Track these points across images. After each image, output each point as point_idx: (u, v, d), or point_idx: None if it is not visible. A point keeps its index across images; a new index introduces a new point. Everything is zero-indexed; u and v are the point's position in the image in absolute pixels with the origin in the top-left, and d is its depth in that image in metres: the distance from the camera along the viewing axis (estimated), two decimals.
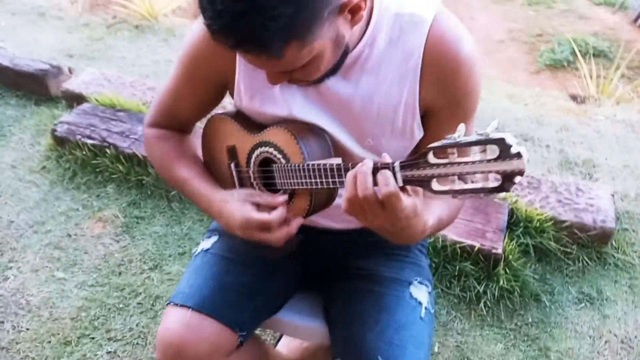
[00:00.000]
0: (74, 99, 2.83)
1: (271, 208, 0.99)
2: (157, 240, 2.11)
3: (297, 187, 0.99)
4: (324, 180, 0.91)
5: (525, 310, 1.85)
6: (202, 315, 1.07)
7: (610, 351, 1.74)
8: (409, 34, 0.92)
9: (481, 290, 1.85)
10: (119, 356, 1.72)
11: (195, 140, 1.23)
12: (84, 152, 2.41)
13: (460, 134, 0.71)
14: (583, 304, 1.88)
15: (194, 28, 1.03)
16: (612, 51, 5.11)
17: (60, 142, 2.49)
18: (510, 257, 1.88)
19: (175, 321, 1.07)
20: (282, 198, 0.99)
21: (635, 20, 5.92)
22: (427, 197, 0.83)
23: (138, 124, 2.50)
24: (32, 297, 1.90)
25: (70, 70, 3.08)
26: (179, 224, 2.18)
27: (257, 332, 1.67)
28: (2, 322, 1.82)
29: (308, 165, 0.93)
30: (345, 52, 0.89)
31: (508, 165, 0.66)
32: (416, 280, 1.15)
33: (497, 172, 0.67)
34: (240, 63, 1.02)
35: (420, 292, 1.14)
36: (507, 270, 1.86)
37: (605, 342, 1.77)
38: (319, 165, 0.91)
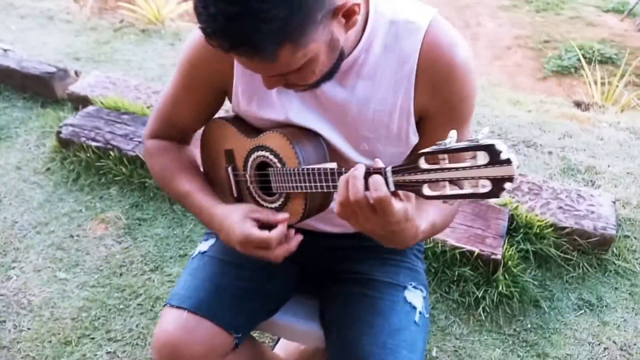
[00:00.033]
0: (80, 102, 2.86)
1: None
2: (158, 242, 2.13)
3: (292, 191, 1.00)
4: (318, 184, 0.93)
5: (524, 316, 1.85)
6: (198, 317, 1.08)
7: (609, 358, 1.73)
8: (404, 40, 0.93)
9: (480, 296, 1.85)
10: (118, 356, 1.74)
11: (195, 145, 1.24)
12: (88, 154, 2.44)
13: (451, 140, 0.72)
14: (582, 310, 1.88)
15: (193, 34, 1.04)
16: (620, 58, 5.10)
17: (64, 144, 2.52)
18: (510, 262, 1.88)
19: (172, 322, 1.08)
20: (282, 216, 0.99)
21: None
22: (421, 202, 0.84)
23: (142, 126, 2.52)
24: (33, 297, 1.92)
25: (76, 73, 3.11)
26: (181, 226, 2.19)
27: (256, 334, 1.68)
28: (4, 322, 1.84)
29: (303, 169, 0.94)
30: (341, 57, 0.90)
31: (498, 171, 0.67)
32: (411, 284, 1.16)
33: (487, 178, 0.68)
34: (238, 67, 1.03)
35: (415, 297, 1.15)
36: (507, 276, 1.86)
37: (605, 348, 1.76)
38: (313, 169, 0.92)
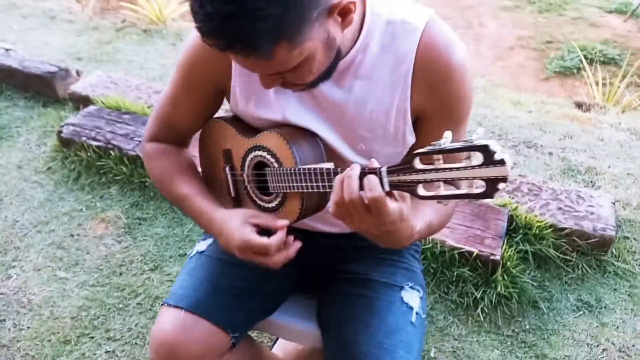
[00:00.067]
0: (81, 101, 2.87)
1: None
2: (158, 242, 2.13)
3: (288, 191, 1.00)
4: (314, 184, 0.93)
5: (522, 317, 1.85)
6: (195, 316, 1.08)
7: (607, 359, 1.73)
8: (401, 40, 0.94)
9: (479, 296, 1.85)
10: (117, 356, 1.74)
11: (193, 146, 1.24)
12: (88, 154, 2.44)
13: (446, 140, 0.72)
14: (581, 312, 1.88)
15: (191, 34, 1.05)
16: (622, 59, 5.09)
17: (65, 143, 2.53)
18: (509, 263, 1.88)
19: (169, 321, 1.08)
20: (282, 223, 0.98)
21: None
22: (417, 202, 0.84)
23: (142, 126, 2.53)
24: (33, 296, 1.93)
25: (78, 73, 3.12)
26: (180, 226, 2.20)
27: (254, 334, 1.69)
28: (4, 320, 1.84)
29: (299, 169, 0.95)
30: (338, 56, 0.90)
31: (492, 171, 0.67)
32: (408, 285, 1.16)
33: (481, 178, 0.68)
34: (236, 67, 1.03)
35: (412, 297, 1.15)
36: (505, 277, 1.86)
37: (603, 350, 1.76)
38: (309, 169, 0.93)
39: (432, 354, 1.75)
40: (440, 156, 0.71)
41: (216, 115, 1.18)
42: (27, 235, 2.18)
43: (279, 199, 1.05)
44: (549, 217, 2.02)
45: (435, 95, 0.96)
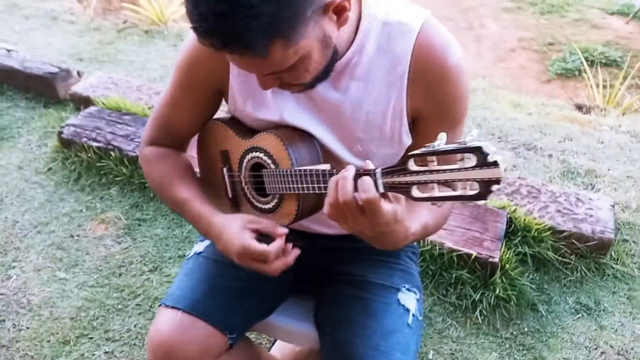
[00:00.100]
0: (82, 102, 2.88)
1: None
2: (157, 243, 2.14)
3: (285, 192, 1.00)
4: (310, 185, 0.93)
5: (521, 319, 1.85)
6: (193, 317, 1.08)
7: None
8: (397, 41, 0.94)
9: (477, 299, 1.85)
10: (116, 356, 1.75)
11: (192, 147, 1.24)
12: (89, 155, 2.45)
13: (440, 142, 0.72)
14: (580, 314, 1.87)
15: (188, 36, 1.05)
16: (624, 61, 5.09)
17: (66, 144, 2.53)
18: (507, 265, 1.88)
19: (166, 322, 1.08)
20: (282, 230, 0.98)
21: None
22: (412, 204, 0.85)
23: (143, 127, 2.52)
24: (33, 297, 1.93)
25: (79, 74, 3.13)
26: (180, 227, 2.20)
27: (253, 335, 1.69)
28: (3, 321, 1.85)
29: (295, 170, 0.95)
30: (335, 55, 0.90)
31: (485, 173, 0.67)
32: (404, 287, 1.16)
33: (475, 180, 0.68)
34: (234, 68, 1.03)
35: (409, 299, 1.15)
36: (504, 279, 1.86)
37: (602, 353, 1.76)
38: (305, 170, 0.93)
39: (430, 356, 1.75)
40: (434, 158, 0.72)
41: (214, 116, 1.18)
42: (27, 236, 2.18)
43: (275, 200, 1.05)
44: (548, 220, 2.02)
45: (432, 96, 0.96)
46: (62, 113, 2.88)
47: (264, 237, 0.99)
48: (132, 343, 1.79)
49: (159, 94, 2.90)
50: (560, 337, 1.80)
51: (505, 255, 1.89)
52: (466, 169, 0.68)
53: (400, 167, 0.75)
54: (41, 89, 3.02)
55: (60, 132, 2.54)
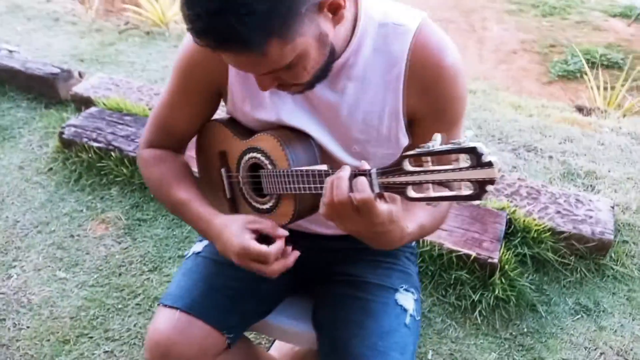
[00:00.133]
0: (83, 103, 2.89)
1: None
2: (157, 243, 2.14)
3: (282, 192, 1.01)
4: (307, 185, 0.93)
5: (520, 320, 1.85)
6: (191, 317, 1.09)
7: None
8: (393, 42, 0.94)
9: (476, 299, 1.85)
10: (115, 356, 1.75)
11: (190, 148, 1.24)
12: (89, 155, 2.46)
13: (435, 142, 0.72)
14: (579, 315, 1.87)
15: (186, 38, 1.06)
16: (626, 63, 5.09)
17: (67, 144, 2.54)
18: (507, 266, 1.88)
19: (164, 322, 1.09)
20: (282, 232, 0.98)
21: None
22: (409, 204, 0.85)
23: (143, 128, 2.53)
24: (33, 296, 1.94)
25: (80, 75, 3.14)
26: (180, 227, 2.20)
27: (252, 335, 1.70)
28: (4, 320, 1.86)
29: (292, 171, 0.95)
30: (332, 54, 0.90)
31: (480, 173, 0.68)
32: (402, 287, 1.16)
33: (469, 180, 0.69)
34: (232, 68, 1.04)
35: (407, 299, 1.15)
36: (503, 280, 1.86)
37: (601, 353, 1.76)
38: (302, 171, 0.93)
39: (429, 357, 1.75)
40: (429, 158, 0.72)
41: (213, 117, 1.18)
42: (28, 236, 2.19)
43: (273, 201, 1.06)
44: (548, 221, 2.02)
45: (428, 97, 0.96)
46: (63, 113, 2.89)
47: (264, 238, 0.99)
48: (131, 342, 1.79)
49: (159, 95, 2.91)
50: (559, 338, 1.80)
51: (505, 256, 1.89)
52: (460, 169, 0.69)
53: (395, 168, 0.75)
54: (42, 89, 3.03)
55: (61, 133, 2.55)
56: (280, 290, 1.27)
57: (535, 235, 1.98)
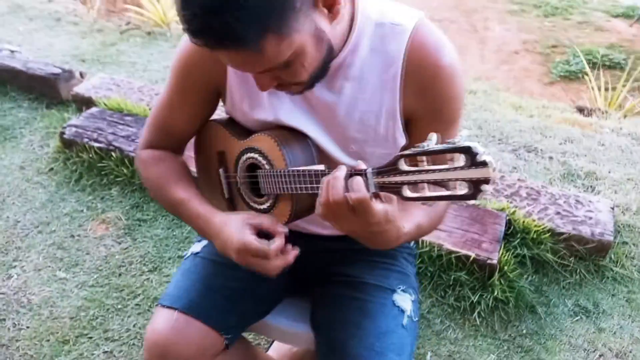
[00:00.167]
0: (84, 103, 2.89)
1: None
2: (157, 243, 2.15)
3: (280, 192, 1.01)
4: (304, 185, 0.94)
5: (519, 321, 1.85)
6: (189, 317, 1.09)
7: None
8: (390, 41, 0.94)
9: (475, 300, 1.85)
10: (115, 356, 1.75)
11: (189, 148, 1.25)
12: (90, 155, 2.46)
13: (430, 142, 0.72)
14: (579, 317, 1.87)
15: (184, 38, 1.06)
16: (627, 63, 5.09)
17: (68, 144, 2.55)
18: (506, 267, 1.87)
19: (162, 322, 1.09)
20: (282, 229, 0.98)
21: None
22: (406, 204, 0.85)
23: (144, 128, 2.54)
24: (33, 296, 1.94)
25: (81, 75, 3.14)
26: (180, 228, 2.21)
27: (251, 336, 1.70)
28: (4, 320, 1.86)
29: (289, 171, 0.96)
30: (330, 52, 0.89)
31: (474, 173, 0.68)
32: (400, 288, 1.16)
33: (464, 179, 0.69)
34: (230, 68, 1.04)
35: (404, 300, 1.15)
36: (502, 281, 1.86)
37: (600, 355, 1.75)
38: (299, 171, 0.93)
39: (428, 358, 1.75)
40: (424, 158, 0.72)
41: (211, 117, 1.19)
42: (29, 236, 2.20)
43: (270, 201, 1.06)
44: (547, 222, 2.02)
45: (425, 96, 0.96)
46: (64, 114, 2.90)
47: (264, 236, 0.99)
48: (131, 343, 1.79)
49: (158, 96, 2.91)
50: (558, 340, 1.80)
51: (504, 257, 1.89)
52: (455, 168, 0.69)
53: (391, 167, 0.75)
54: (44, 89, 3.03)
55: (62, 133, 2.56)
56: (279, 290, 1.27)
57: (534, 236, 1.98)
